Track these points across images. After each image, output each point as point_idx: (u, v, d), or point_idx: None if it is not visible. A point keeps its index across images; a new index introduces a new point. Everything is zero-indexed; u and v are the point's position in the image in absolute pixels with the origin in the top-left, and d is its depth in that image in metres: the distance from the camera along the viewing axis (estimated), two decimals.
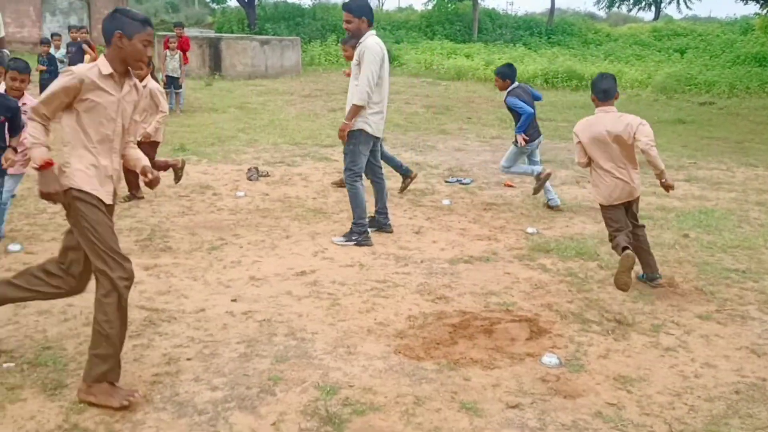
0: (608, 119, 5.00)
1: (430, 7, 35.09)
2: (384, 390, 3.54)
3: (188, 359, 3.80)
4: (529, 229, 6.55)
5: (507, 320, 4.44)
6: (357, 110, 5.83)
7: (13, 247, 5.43)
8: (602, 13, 49.61)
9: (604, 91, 5.05)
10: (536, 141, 7.34)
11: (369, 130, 5.91)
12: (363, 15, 5.90)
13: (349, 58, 7.20)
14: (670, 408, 3.47)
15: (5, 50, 6.38)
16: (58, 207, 6.65)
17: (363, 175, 6.10)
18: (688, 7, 50.49)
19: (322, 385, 3.56)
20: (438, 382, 3.65)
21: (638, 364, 3.93)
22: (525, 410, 3.41)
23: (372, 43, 5.82)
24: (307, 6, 33.99)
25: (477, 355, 3.96)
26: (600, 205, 5.19)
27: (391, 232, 6.31)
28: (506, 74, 7.30)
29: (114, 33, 3.30)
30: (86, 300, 4.49)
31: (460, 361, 3.89)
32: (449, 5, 33.35)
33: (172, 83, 13.52)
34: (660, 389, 3.65)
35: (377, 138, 6.08)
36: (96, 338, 3.27)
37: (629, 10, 47.40)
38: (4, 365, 3.61)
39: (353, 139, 5.93)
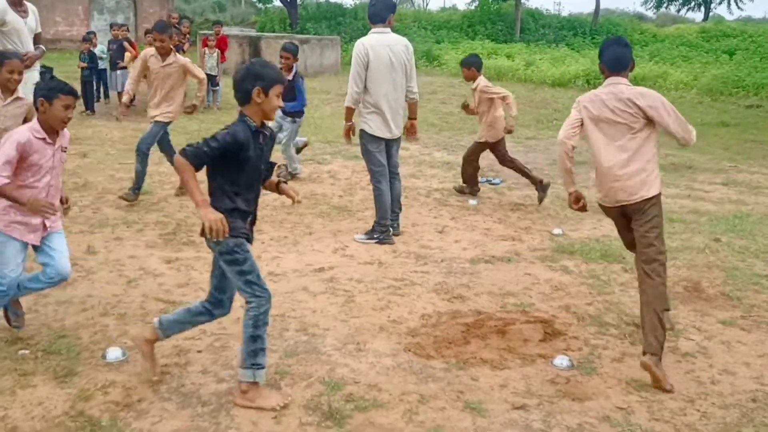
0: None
1: (473, 7, 34.87)
2: (389, 387, 3.52)
3: (198, 351, 3.84)
4: (555, 231, 6.46)
5: (522, 321, 4.38)
6: (347, 111, 6.03)
7: None
8: (650, 14, 48.68)
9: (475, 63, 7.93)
10: (302, 117, 8.27)
11: (368, 129, 5.99)
12: (366, 15, 6.04)
13: (160, 50, 6.63)
14: (681, 414, 3.38)
15: (41, 46, 6.52)
16: (88, 201, 6.83)
17: (387, 174, 6.07)
18: (739, 7, 48.90)
19: (328, 380, 3.56)
20: (445, 381, 3.62)
21: None
22: (531, 411, 3.36)
23: (357, 42, 5.94)
24: (348, 6, 34.13)
25: (488, 355, 3.91)
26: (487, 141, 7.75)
27: (396, 234, 6.10)
28: (296, 52, 8.09)
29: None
30: (106, 291, 4.60)
31: (469, 360, 3.85)
32: (492, 5, 33.08)
33: (210, 81, 13.70)
34: (673, 395, 3.55)
35: (387, 139, 6.02)
36: None
37: (678, 11, 46.41)
38: (20, 352, 3.70)
39: (361, 140, 6.07)
